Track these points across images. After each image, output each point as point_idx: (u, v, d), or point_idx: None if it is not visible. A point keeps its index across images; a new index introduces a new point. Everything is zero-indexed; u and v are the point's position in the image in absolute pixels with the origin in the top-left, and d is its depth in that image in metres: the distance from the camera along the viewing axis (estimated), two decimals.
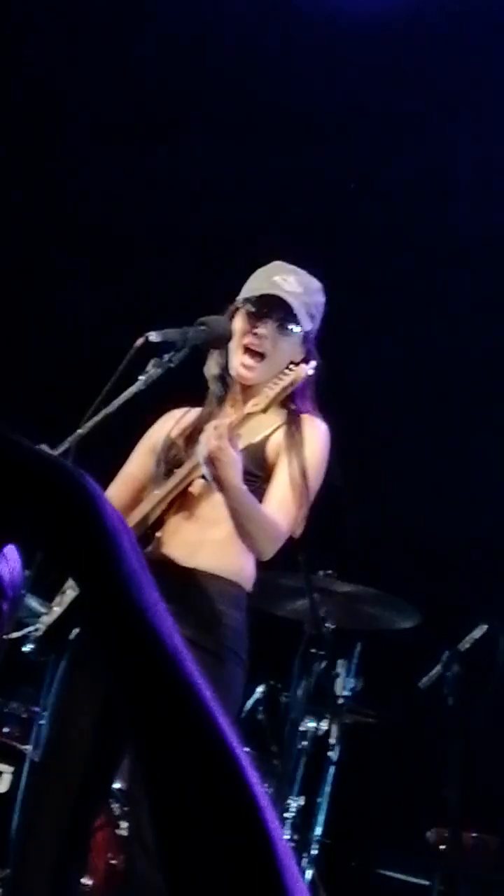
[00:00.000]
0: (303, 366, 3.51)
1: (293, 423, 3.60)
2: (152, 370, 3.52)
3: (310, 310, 3.67)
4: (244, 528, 3.42)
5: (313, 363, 3.53)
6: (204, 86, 6.32)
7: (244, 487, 3.39)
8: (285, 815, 4.91)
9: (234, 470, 3.35)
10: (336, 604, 5.08)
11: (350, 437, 3.84)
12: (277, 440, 3.59)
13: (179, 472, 3.49)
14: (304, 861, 5.00)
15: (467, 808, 4.92)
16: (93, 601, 1.36)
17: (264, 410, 3.47)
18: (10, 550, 1.99)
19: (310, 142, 6.38)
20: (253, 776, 1.30)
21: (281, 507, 3.51)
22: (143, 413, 3.63)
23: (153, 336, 3.52)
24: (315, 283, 3.74)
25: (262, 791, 1.31)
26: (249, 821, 1.29)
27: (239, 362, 3.65)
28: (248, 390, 3.66)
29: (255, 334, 3.64)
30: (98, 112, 6.45)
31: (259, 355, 3.63)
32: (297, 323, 3.64)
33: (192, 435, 3.63)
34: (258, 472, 3.55)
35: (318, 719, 5.14)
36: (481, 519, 6.30)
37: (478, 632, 4.90)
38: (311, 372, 3.50)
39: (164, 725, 1.30)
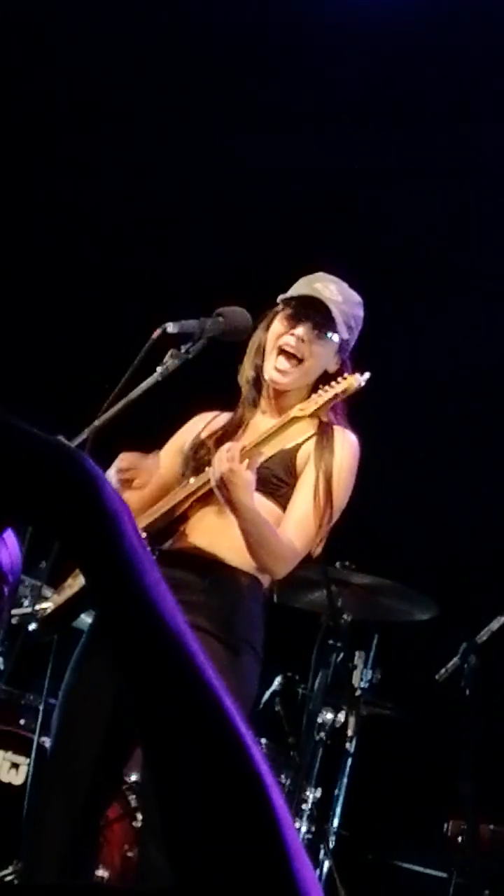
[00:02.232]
0: (357, 375, 3.47)
1: (325, 435, 3.58)
2: (170, 361, 3.51)
3: (348, 320, 3.66)
4: (255, 549, 3.41)
5: (367, 374, 3.49)
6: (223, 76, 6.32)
7: (257, 510, 3.38)
8: (302, 806, 4.91)
9: (247, 493, 3.34)
10: (353, 595, 5.07)
11: (367, 429, 3.83)
12: (308, 449, 3.58)
13: (208, 473, 3.48)
14: (321, 853, 5.00)
15: (484, 801, 4.91)
16: (94, 582, 1.36)
17: (311, 416, 3.46)
18: (10, 536, 1.99)
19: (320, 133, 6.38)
20: (257, 753, 1.30)
21: (299, 525, 3.50)
22: (160, 404, 3.62)
23: (170, 327, 3.51)
24: (356, 297, 3.73)
25: (266, 768, 1.30)
26: (252, 800, 1.28)
27: (273, 366, 3.65)
28: (280, 396, 3.66)
29: (293, 335, 3.63)
30: (117, 99, 6.44)
31: (294, 359, 3.62)
32: (335, 330, 3.62)
33: (222, 438, 3.63)
34: (286, 479, 3.55)
35: (336, 711, 5.13)
36: (500, 511, 6.29)
37: (495, 624, 4.89)
38: (363, 383, 3.47)
39: (168, 705, 1.30)
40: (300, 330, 3.63)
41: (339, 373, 3.62)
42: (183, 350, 3.53)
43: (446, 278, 6.46)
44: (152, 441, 3.84)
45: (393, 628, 5.32)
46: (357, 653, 5.26)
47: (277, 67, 6.32)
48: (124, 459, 3.55)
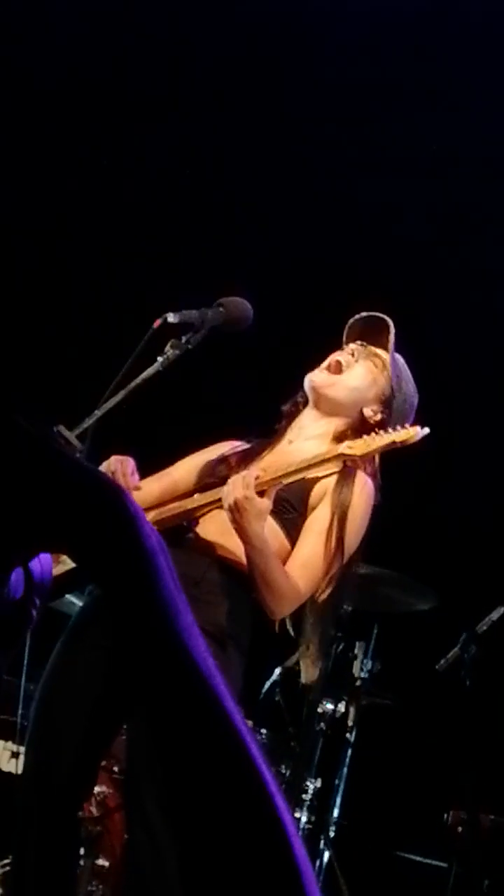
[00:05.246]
0: (417, 428, 3.47)
1: (346, 477, 3.55)
2: (170, 351, 3.50)
3: (399, 379, 3.71)
4: (258, 581, 3.38)
5: (426, 429, 3.48)
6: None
7: (266, 540, 3.35)
8: (303, 796, 4.91)
9: (258, 522, 3.32)
10: (353, 586, 5.06)
11: None
12: (326, 486, 3.55)
13: (220, 490, 3.47)
14: (321, 843, 5.01)
15: (485, 791, 4.92)
16: (128, 620, 1.36)
17: (360, 457, 3.47)
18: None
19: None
20: (280, 801, 1.31)
21: (306, 566, 3.46)
22: (161, 394, 3.62)
23: (171, 317, 3.50)
24: (411, 380, 3.78)
25: (293, 828, 1.31)
26: (271, 839, 1.29)
27: (317, 371, 3.72)
28: (321, 409, 3.70)
29: (346, 348, 3.73)
30: (117, 92, 6.44)
31: (339, 366, 3.70)
32: (385, 365, 3.69)
33: (244, 458, 3.66)
34: (297, 507, 3.53)
35: (336, 701, 5.14)
36: (500, 501, 6.28)
37: (495, 614, 4.90)
38: (418, 438, 3.47)
39: (194, 748, 1.30)
40: (352, 345, 3.73)
41: (380, 425, 3.62)
42: (184, 340, 3.52)
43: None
44: (152, 432, 3.84)
45: (393, 618, 5.32)
46: (357, 643, 5.26)
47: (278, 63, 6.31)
48: (113, 462, 3.56)
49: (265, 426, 3.84)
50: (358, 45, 6.16)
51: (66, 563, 3.51)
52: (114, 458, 3.56)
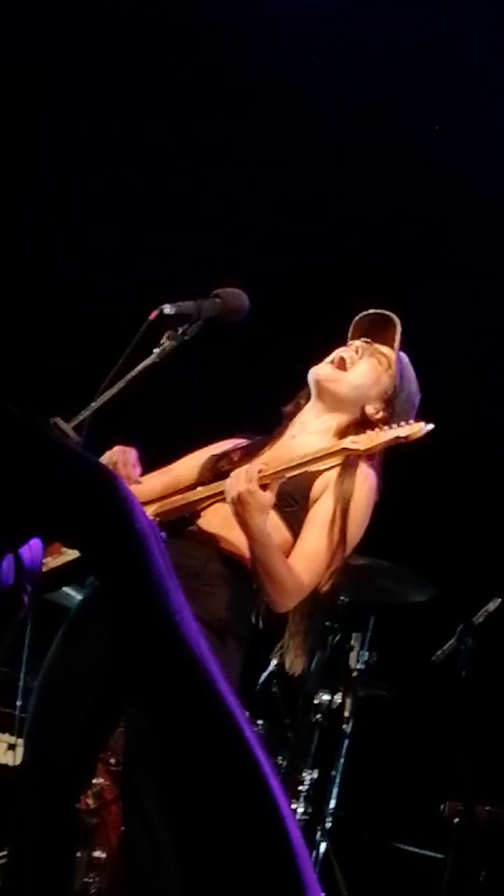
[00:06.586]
0: (422, 424, 3.44)
1: (348, 469, 3.55)
2: (167, 343, 3.50)
3: (402, 378, 3.72)
4: (261, 575, 3.37)
5: (431, 425, 3.45)
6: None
7: (269, 534, 3.35)
8: (299, 787, 4.92)
9: (261, 515, 3.32)
10: (350, 577, 5.06)
11: None
12: (328, 479, 3.55)
13: (222, 484, 3.46)
14: (318, 834, 5.01)
15: (481, 782, 4.93)
16: (121, 603, 1.36)
17: (364, 452, 3.45)
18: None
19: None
20: (271, 774, 1.30)
21: (310, 559, 3.46)
22: (156, 386, 3.61)
23: (167, 308, 3.50)
24: (416, 382, 3.78)
25: (282, 797, 1.31)
26: (265, 824, 1.29)
27: (321, 364, 3.72)
28: (324, 404, 3.70)
29: (351, 345, 3.73)
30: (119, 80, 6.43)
31: (343, 363, 3.69)
32: (390, 364, 3.70)
33: (247, 453, 3.66)
34: (299, 500, 3.53)
35: (332, 692, 5.14)
36: (497, 493, 6.28)
37: (492, 605, 4.91)
38: (422, 433, 3.44)
39: (188, 729, 1.30)
40: (357, 342, 3.73)
41: (382, 423, 3.61)
42: (180, 332, 3.52)
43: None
44: (148, 423, 3.84)
45: (390, 610, 5.33)
46: (354, 634, 5.27)
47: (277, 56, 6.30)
48: (116, 452, 3.56)
49: (261, 417, 3.84)
50: (357, 35, 6.14)
51: (65, 555, 3.52)
52: (116, 449, 3.56)
